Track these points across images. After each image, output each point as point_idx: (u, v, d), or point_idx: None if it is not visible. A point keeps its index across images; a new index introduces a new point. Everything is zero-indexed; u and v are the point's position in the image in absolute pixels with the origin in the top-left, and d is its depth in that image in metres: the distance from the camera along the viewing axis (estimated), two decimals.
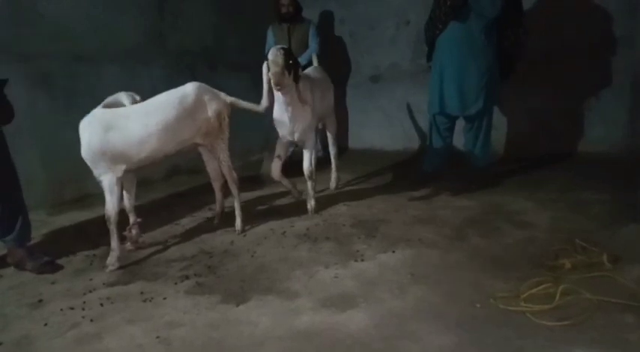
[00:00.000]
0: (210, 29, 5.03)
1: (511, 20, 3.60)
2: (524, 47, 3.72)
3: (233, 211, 3.18)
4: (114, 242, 2.70)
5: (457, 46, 3.63)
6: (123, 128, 2.64)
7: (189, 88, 2.85)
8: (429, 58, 3.94)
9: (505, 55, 3.70)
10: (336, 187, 4.05)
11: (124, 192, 2.93)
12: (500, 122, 4.78)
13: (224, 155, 3.06)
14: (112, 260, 2.67)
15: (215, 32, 5.04)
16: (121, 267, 2.67)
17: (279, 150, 3.47)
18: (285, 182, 3.59)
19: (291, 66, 2.95)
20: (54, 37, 3.77)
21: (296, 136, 3.31)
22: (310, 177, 3.40)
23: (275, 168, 3.47)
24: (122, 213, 2.78)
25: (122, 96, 2.84)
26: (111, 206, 2.68)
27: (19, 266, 2.77)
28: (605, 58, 4.36)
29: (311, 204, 3.43)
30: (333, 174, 4.04)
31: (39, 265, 2.72)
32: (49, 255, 2.80)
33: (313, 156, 3.39)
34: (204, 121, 2.85)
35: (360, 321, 1.97)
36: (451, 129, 3.94)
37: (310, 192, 3.44)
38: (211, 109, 2.88)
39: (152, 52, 4.48)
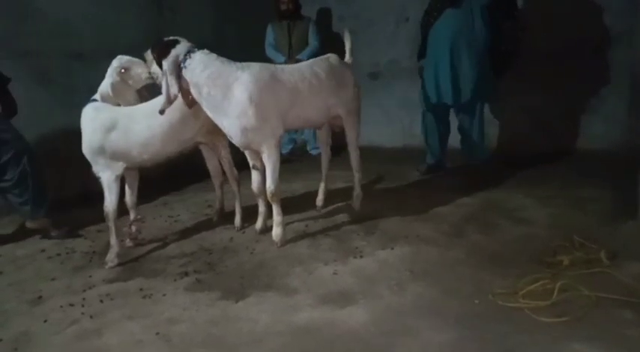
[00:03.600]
0: (210, 26, 5.02)
1: (505, 15, 3.67)
2: (519, 43, 3.76)
3: (233, 208, 3.19)
4: (113, 238, 2.70)
5: (452, 34, 3.72)
6: (126, 129, 2.64)
7: None
8: (421, 55, 3.99)
9: (500, 52, 3.75)
10: (359, 205, 3.33)
11: (127, 189, 2.93)
12: (500, 119, 4.78)
13: (225, 152, 3.07)
14: (111, 256, 2.68)
15: (214, 29, 5.04)
16: (120, 264, 2.67)
17: (249, 158, 2.93)
18: (263, 201, 2.99)
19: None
20: (53, 34, 3.76)
21: (234, 140, 2.69)
22: (272, 199, 2.75)
23: (254, 180, 2.94)
24: (123, 209, 2.79)
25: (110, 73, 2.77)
26: (109, 202, 2.69)
27: (43, 233, 3.17)
28: (605, 56, 4.36)
29: (277, 232, 2.80)
30: (356, 190, 3.33)
31: (64, 233, 3.15)
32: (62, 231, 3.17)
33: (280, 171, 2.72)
34: (206, 119, 2.84)
35: (359, 317, 1.97)
36: (444, 119, 4.02)
37: (277, 217, 2.80)
38: None
39: None
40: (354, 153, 3.25)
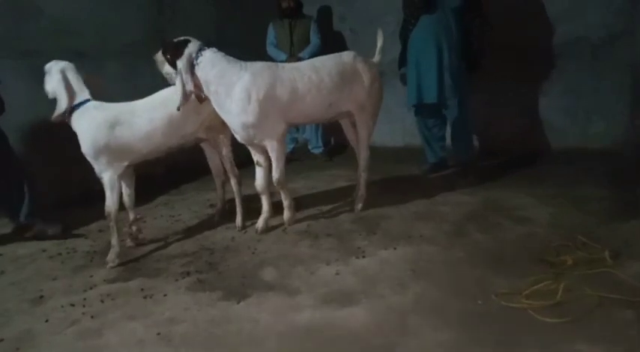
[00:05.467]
0: (210, 24, 5.01)
1: (474, 16, 3.75)
2: (486, 41, 3.84)
3: (234, 207, 3.18)
4: (114, 238, 2.70)
5: (434, 36, 3.77)
6: (130, 123, 2.67)
7: None
8: (402, 63, 4.07)
9: (472, 52, 3.84)
10: (362, 207, 3.27)
11: (124, 189, 2.93)
12: (499, 118, 4.77)
13: (226, 150, 3.07)
14: (112, 256, 2.68)
15: (215, 27, 5.02)
16: (121, 264, 2.67)
17: (253, 154, 3.00)
18: (266, 200, 3.06)
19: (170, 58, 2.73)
20: (53, 34, 3.75)
21: (238, 136, 2.85)
22: (279, 187, 2.94)
23: (257, 177, 3.01)
24: (121, 208, 2.79)
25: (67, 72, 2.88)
26: (111, 202, 2.69)
27: (39, 237, 3.09)
28: (605, 54, 4.35)
29: (287, 215, 3.03)
30: (360, 190, 3.30)
31: (60, 230, 3.11)
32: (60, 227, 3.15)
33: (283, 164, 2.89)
34: (207, 115, 2.85)
35: (360, 317, 1.97)
36: (437, 117, 4.08)
37: (285, 201, 3.03)
38: None
39: (152, 47, 4.46)
40: (363, 153, 3.23)
